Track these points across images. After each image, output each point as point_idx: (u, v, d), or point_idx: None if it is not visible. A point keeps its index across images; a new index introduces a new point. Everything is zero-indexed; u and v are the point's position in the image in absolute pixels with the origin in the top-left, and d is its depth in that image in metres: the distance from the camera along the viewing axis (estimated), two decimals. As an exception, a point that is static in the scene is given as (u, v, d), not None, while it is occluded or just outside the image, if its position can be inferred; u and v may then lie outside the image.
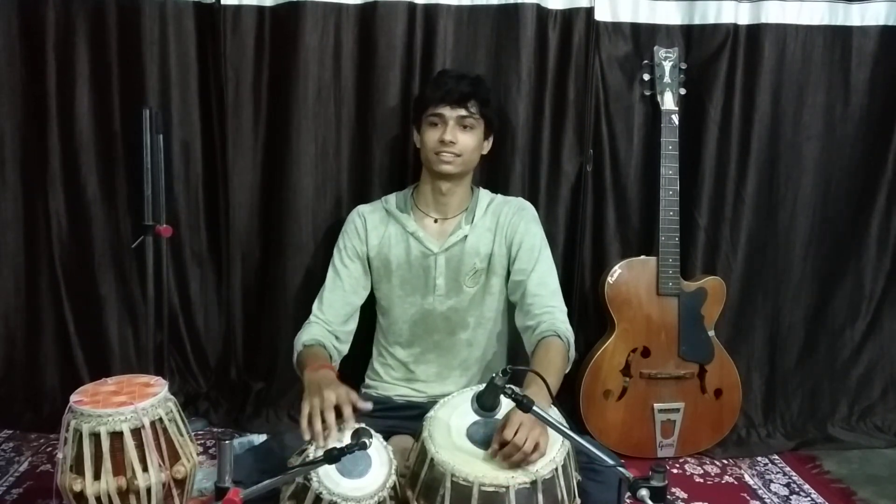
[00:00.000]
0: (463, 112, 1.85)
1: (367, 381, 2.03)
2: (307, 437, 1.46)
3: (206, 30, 2.31)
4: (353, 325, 1.95)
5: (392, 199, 2.01)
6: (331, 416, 1.47)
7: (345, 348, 1.92)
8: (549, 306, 1.83)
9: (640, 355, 2.31)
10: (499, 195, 2.02)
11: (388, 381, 1.98)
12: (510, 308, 1.98)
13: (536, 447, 1.43)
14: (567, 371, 1.77)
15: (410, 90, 2.26)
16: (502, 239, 1.92)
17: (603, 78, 2.34)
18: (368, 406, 1.54)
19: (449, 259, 1.92)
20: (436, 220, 1.94)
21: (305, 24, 2.23)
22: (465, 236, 1.92)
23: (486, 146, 1.97)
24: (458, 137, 1.85)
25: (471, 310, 1.94)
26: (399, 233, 1.94)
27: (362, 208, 2.03)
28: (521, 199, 2.03)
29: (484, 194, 2.00)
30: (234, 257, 2.42)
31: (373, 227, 1.96)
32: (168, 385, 1.61)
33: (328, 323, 1.88)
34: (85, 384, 1.62)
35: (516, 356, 2.10)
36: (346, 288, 1.93)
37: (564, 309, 1.87)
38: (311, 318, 1.90)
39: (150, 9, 2.26)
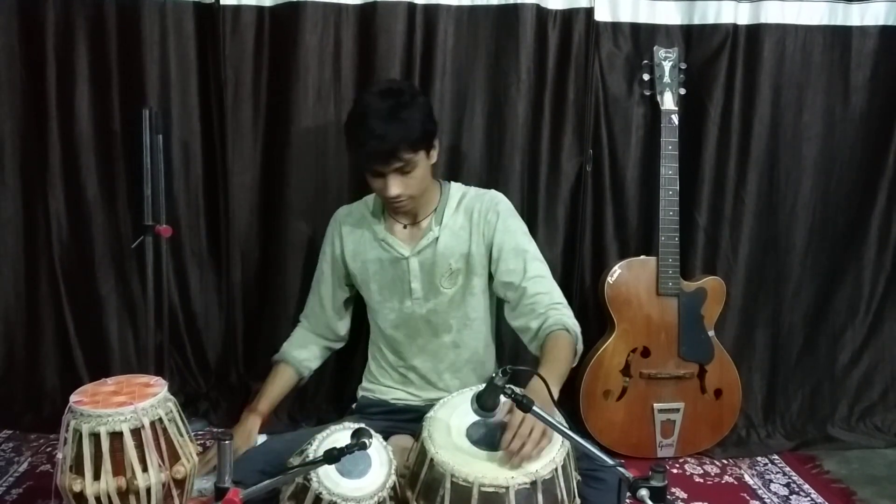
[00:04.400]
0: (398, 164, 1.72)
1: (365, 382, 2.03)
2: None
3: (205, 30, 2.31)
4: (341, 324, 2.03)
5: (370, 200, 1.97)
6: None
7: (339, 345, 2.02)
8: (554, 303, 1.82)
9: (639, 355, 2.31)
10: (471, 188, 1.96)
11: (383, 385, 1.98)
12: (500, 307, 1.96)
13: (544, 434, 1.43)
14: (574, 364, 1.79)
15: (410, 90, 2.26)
16: (479, 238, 1.87)
17: (602, 78, 2.34)
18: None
19: (422, 262, 1.88)
20: (405, 226, 1.91)
21: (305, 25, 2.23)
22: (437, 238, 1.87)
23: (434, 156, 1.84)
24: (403, 184, 1.75)
25: (452, 311, 1.91)
26: (371, 239, 1.92)
27: (341, 211, 2.02)
28: (493, 193, 1.95)
29: (455, 190, 1.93)
30: (234, 257, 2.42)
31: (348, 232, 1.95)
32: (168, 385, 1.60)
33: (312, 329, 2.00)
34: (85, 384, 1.61)
35: (508, 355, 2.10)
36: (323, 293, 2.00)
37: (565, 304, 1.86)
38: (301, 318, 2.03)
39: (150, 9, 2.26)
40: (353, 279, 1.97)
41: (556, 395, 1.53)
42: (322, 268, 2.01)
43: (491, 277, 1.91)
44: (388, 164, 1.72)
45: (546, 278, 1.87)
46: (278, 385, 1.98)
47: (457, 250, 1.88)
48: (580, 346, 1.79)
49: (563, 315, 1.79)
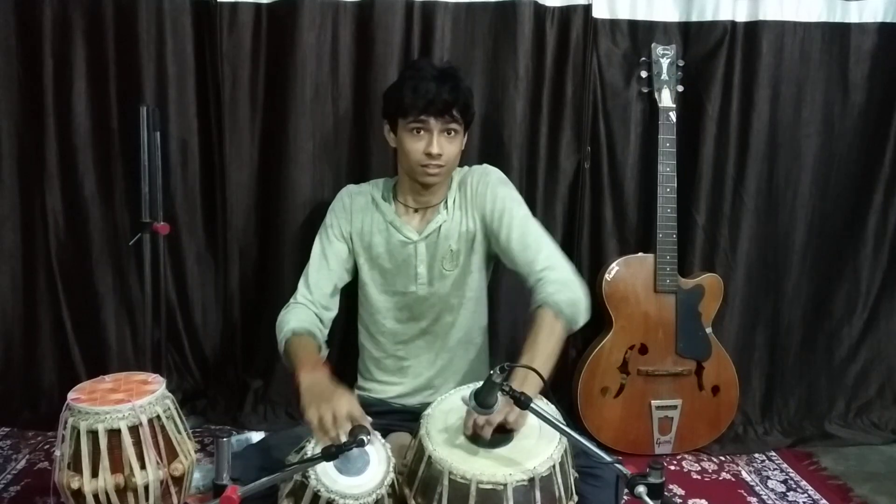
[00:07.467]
0: (448, 120, 1.77)
1: (360, 381, 2.02)
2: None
3: (203, 27, 2.31)
4: (335, 309, 1.92)
5: (381, 184, 1.99)
6: (347, 427, 1.43)
7: (325, 333, 1.88)
8: (537, 273, 1.76)
9: (637, 352, 2.31)
10: (464, 167, 1.96)
11: (380, 381, 1.97)
12: (492, 281, 2.01)
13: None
14: (575, 328, 1.73)
15: (408, 88, 2.26)
16: (474, 213, 1.88)
17: (600, 75, 2.34)
18: (368, 420, 1.50)
19: (428, 246, 1.89)
20: (416, 210, 1.91)
21: (302, 22, 2.23)
22: (444, 221, 1.88)
23: (463, 143, 1.87)
24: (444, 148, 1.77)
25: (453, 292, 1.91)
26: (380, 221, 1.92)
27: (351, 188, 2.00)
28: (483, 166, 1.96)
29: (454, 175, 1.93)
30: (231, 254, 2.42)
31: (358, 209, 1.94)
32: (166, 382, 1.61)
33: (314, 304, 1.86)
34: (82, 381, 1.62)
35: (495, 329, 2.16)
36: (332, 267, 1.90)
37: (555, 263, 1.77)
38: (298, 297, 1.87)
39: (148, 6, 2.26)
40: (356, 257, 1.94)
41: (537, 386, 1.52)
42: (330, 240, 1.91)
43: (491, 250, 1.91)
44: (441, 117, 1.76)
45: (529, 243, 1.81)
46: (308, 347, 1.75)
47: (455, 231, 1.89)
48: (568, 312, 1.68)
49: (545, 284, 1.72)
